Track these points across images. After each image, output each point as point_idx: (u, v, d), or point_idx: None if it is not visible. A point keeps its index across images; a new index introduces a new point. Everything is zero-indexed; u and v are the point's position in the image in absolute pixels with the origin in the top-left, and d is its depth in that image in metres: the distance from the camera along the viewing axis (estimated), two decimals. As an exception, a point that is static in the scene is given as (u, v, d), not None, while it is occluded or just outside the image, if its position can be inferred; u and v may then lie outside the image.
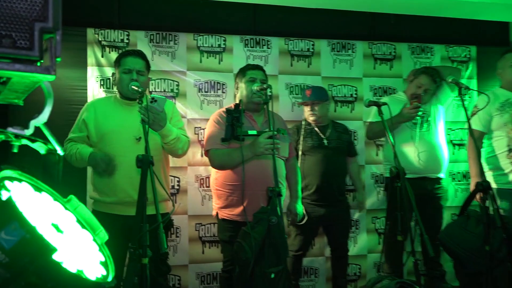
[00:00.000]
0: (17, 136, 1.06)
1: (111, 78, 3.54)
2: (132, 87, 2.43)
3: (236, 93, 3.08)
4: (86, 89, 3.52)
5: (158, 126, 2.51)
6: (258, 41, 3.88)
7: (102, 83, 3.55)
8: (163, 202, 2.71)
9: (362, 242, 3.98)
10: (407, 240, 2.67)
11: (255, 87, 2.86)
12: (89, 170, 3.29)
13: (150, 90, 3.59)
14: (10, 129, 1.04)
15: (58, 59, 0.95)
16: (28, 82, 0.98)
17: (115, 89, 3.41)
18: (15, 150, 1.07)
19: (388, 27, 4.12)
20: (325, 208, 3.32)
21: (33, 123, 1.07)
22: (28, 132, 1.06)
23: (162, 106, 2.43)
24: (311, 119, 3.43)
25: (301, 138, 3.41)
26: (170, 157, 2.91)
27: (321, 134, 3.39)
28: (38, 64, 0.93)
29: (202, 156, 3.66)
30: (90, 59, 3.54)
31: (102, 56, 3.56)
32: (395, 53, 4.13)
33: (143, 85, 2.66)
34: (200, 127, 3.70)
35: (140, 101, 2.27)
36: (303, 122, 3.49)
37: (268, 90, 2.69)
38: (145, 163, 2.00)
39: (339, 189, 3.38)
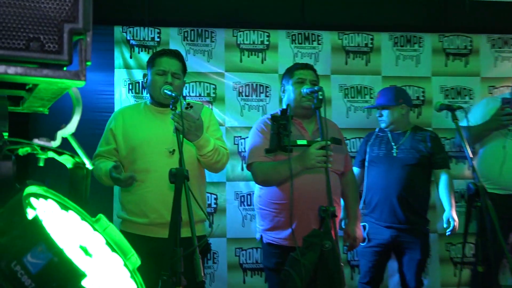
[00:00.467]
0: (44, 149, 1.10)
1: (141, 81, 3.64)
2: (165, 91, 2.49)
3: (283, 97, 3.10)
4: (113, 94, 3.64)
5: (194, 136, 2.53)
6: (307, 36, 3.89)
7: (130, 87, 3.65)
8: (199, 223, 2.74)
9: (435, 273, 3.88)
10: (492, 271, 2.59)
11: (305, 89, 2.86)
12: (116, 186, 3.38)
13: (184, 94, 3.66)
14: (36, 141, 1.08)
15: (88, 63, 0.99)
16: (55, 88, 1.02)
17: (145, 93, 3.51)
18: (41, 164, 1.11)
19: (463, 16, 4.03)
20: (392, 230, 3.27)
21: (61, 134, 1.11)
22: (55, 144, 1.10)
23: (198, 113, 2.45)
24: (382, 125, 3.44)
25: (368, 146, 3.41)
26: (206, 171, 2.95)
27: (393, 143, 3.37)
28: (65, 68, 0.97)
29: (242, 169, 3.70)
30: (118, 61, 3.67)
31: (131, 57, 3.67)
32: (471, 46, 4.03)
33: (178, 89, 2.71)
34: (240, 137, 3.74)
35: (173, 107, 2.32)
36: (377, 129, 3.50)
37: (320, 93, 2.69)
38: (179, 177, 2.03)
39: (411, 209, 3.28)
